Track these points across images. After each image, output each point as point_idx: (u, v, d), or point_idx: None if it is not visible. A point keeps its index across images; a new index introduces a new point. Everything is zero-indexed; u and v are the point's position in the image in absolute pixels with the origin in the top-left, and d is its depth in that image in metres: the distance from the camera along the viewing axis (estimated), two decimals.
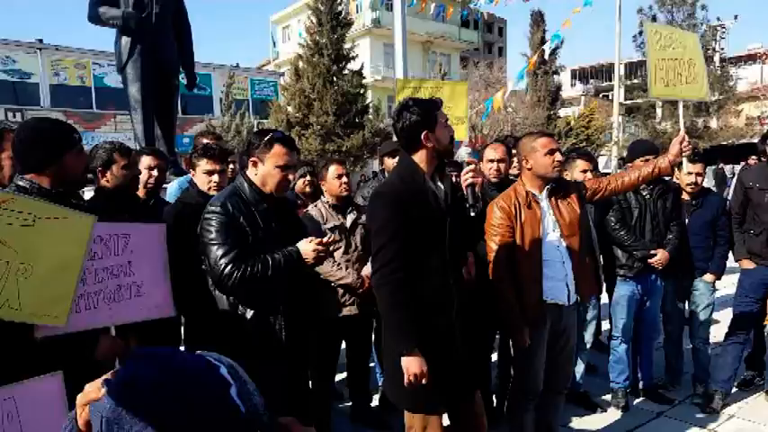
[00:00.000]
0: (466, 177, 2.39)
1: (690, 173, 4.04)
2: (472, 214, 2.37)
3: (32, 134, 2.08)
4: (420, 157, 2.40)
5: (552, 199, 2.96)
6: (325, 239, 2.46)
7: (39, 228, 1.73)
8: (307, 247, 2.41)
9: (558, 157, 2.91)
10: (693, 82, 3.60)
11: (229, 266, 2.28)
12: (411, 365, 2.27)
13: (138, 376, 0.68)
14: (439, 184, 2.48)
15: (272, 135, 2.49)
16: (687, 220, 4.10)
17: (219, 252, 2.30)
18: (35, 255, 1.73)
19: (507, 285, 2.86)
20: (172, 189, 4.08)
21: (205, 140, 4.19)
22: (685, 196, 4.13)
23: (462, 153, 2.52)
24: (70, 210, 1.85)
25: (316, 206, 3.69)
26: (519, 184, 3.01)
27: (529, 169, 2.96)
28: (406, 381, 2.28)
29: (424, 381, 2.27)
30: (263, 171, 2.46)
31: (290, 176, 2.52)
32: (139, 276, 2.13)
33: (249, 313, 2.43)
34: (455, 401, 2.50)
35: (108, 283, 2.03)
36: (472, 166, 2.40)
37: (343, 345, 3.89)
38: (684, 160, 3.56)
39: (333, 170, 3.64)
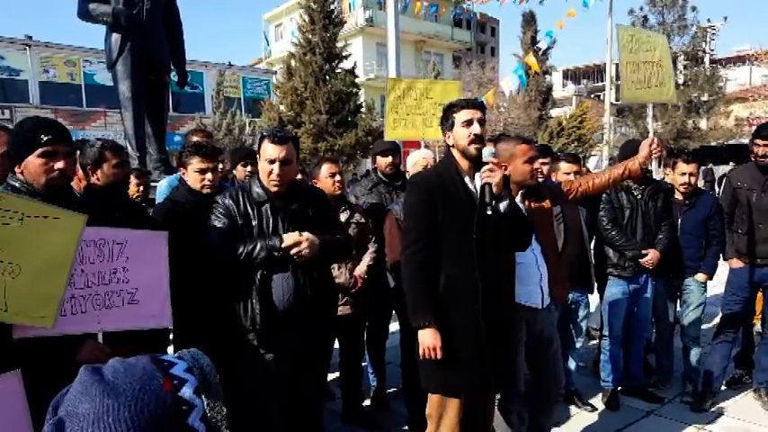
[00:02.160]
0: (482, 177, 2.45)
1: (683, 173, 4.07)
2: (488, 212, 2.41)
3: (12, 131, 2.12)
4: (454, 153, 2.61)
5: (526, 202, 2.96)
6: (305, 237, 2.54)
7: (27, 227, 1.70)
8: (290, 239, 2.54)
9: (536, 165, 2.93)
10: (662, 85, 3.62)
11: (209, 248, 2.57)
12: (425, 338, 2.40)
13: (77, 413, 0.67)
14: (476, 179, 2.54)
15: (262, 133, 2.73)
16: (680, 220, 4.11)
17: (209, 235, 2.60)
18: (23, 254, 1.69)
19: None
20: (161, 187, 4.05)
21: (195, 138, 4.16)
22: (678, 196, 4.15)
23: (485, 153, 2.50)
24: (60, 209, 1.81)
25: None
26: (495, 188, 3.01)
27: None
28: (420, 352, 2.42)
29: (438, 355, 2.38)
30: (259, 167, 2.70)
31: (278, 169, 2.59)
32: (134, 284, 2.09)
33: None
34: (477, 391, 2.57)
35: (98, 288, 1.99)
36: (488, 166, 2.44)
37: (336, 344, 3.88)
38: (658, 159, 3.57)
39: (326, 169, 3.62)
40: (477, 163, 2.53)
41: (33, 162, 2.01)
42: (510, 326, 2.66)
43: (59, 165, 2.03)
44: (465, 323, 2.47)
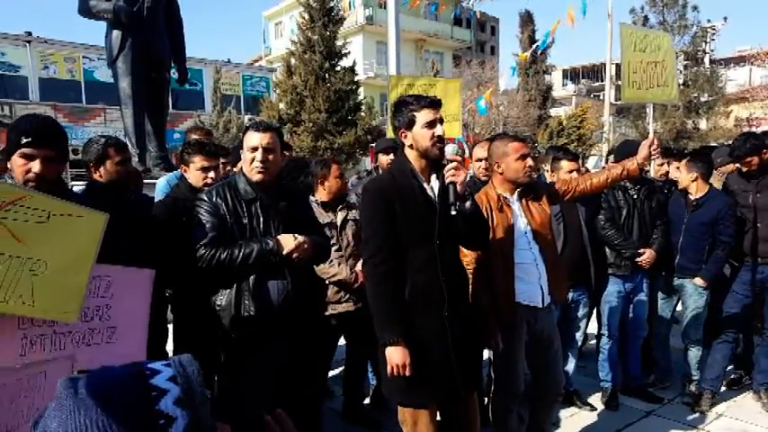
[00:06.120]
0: (447, 175, 2.37)
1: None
2: (453, 213, 2.33)
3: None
4: (409, 154, 2.47)
5: (523, 201, 2.94)
6: (301, 240, 2.53)
7: (53, 224, 1.72)
8: (287, 239, 2.52)
9: (529, 162, 2.89)
10: (664, 85, 3.61)
11: (201, 249, 2.49)
12: (393, 356, 2.31)
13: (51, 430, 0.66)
14: (433, 180, 2.47)
15: (246, 127, 2.70)
16: (685, 219, 4.07)
17: (198, 235, 2.52)
18: (49, 251, 1.72)
19: (480, 289, 2.82)
20: (160, 185, 4.03)
21: (195, 136, 4.15)
22: (691, 195, 4.07)
23: (448, 150, 2.41)
24: (83, 207, 1.83)
25: None
26: (490, 188, 2.98)
27: (500, 173, 2.93)
28: (388, 371, 2.33)
29: (407, 372, 2.30)
30: (243, 158, 2.65)
31: (260, 155, 2.56)
32: (115, 322, 2.00)
33: (221, 300, 2.54)
34: (446, 399, 2.49)
35: (81, 324, 1.90)
36: (453, 164, 2.35)
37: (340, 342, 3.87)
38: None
39: (335, 170, 3.62)
40: (436, 164, 2.45)
41: (15, 161, 2.05)
42: (475, 327, 2.58)
43: (35, 168, 2.02)
44: (432, 332, 2.38)
